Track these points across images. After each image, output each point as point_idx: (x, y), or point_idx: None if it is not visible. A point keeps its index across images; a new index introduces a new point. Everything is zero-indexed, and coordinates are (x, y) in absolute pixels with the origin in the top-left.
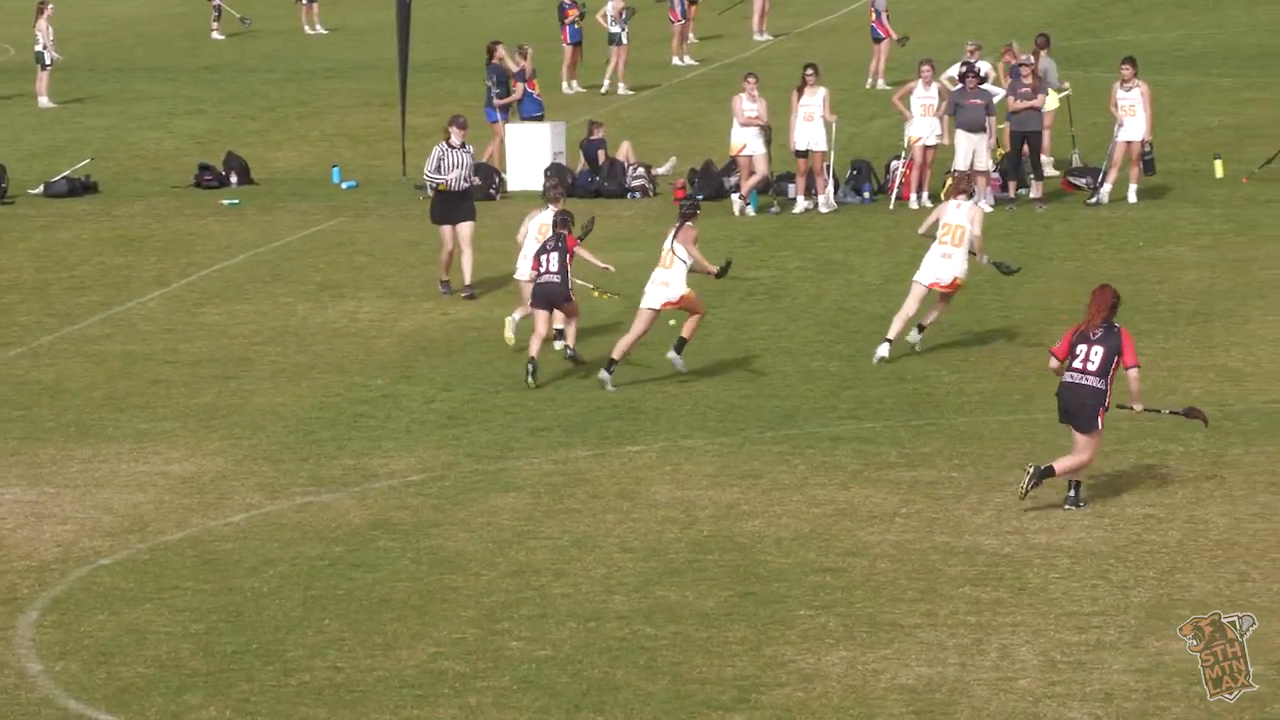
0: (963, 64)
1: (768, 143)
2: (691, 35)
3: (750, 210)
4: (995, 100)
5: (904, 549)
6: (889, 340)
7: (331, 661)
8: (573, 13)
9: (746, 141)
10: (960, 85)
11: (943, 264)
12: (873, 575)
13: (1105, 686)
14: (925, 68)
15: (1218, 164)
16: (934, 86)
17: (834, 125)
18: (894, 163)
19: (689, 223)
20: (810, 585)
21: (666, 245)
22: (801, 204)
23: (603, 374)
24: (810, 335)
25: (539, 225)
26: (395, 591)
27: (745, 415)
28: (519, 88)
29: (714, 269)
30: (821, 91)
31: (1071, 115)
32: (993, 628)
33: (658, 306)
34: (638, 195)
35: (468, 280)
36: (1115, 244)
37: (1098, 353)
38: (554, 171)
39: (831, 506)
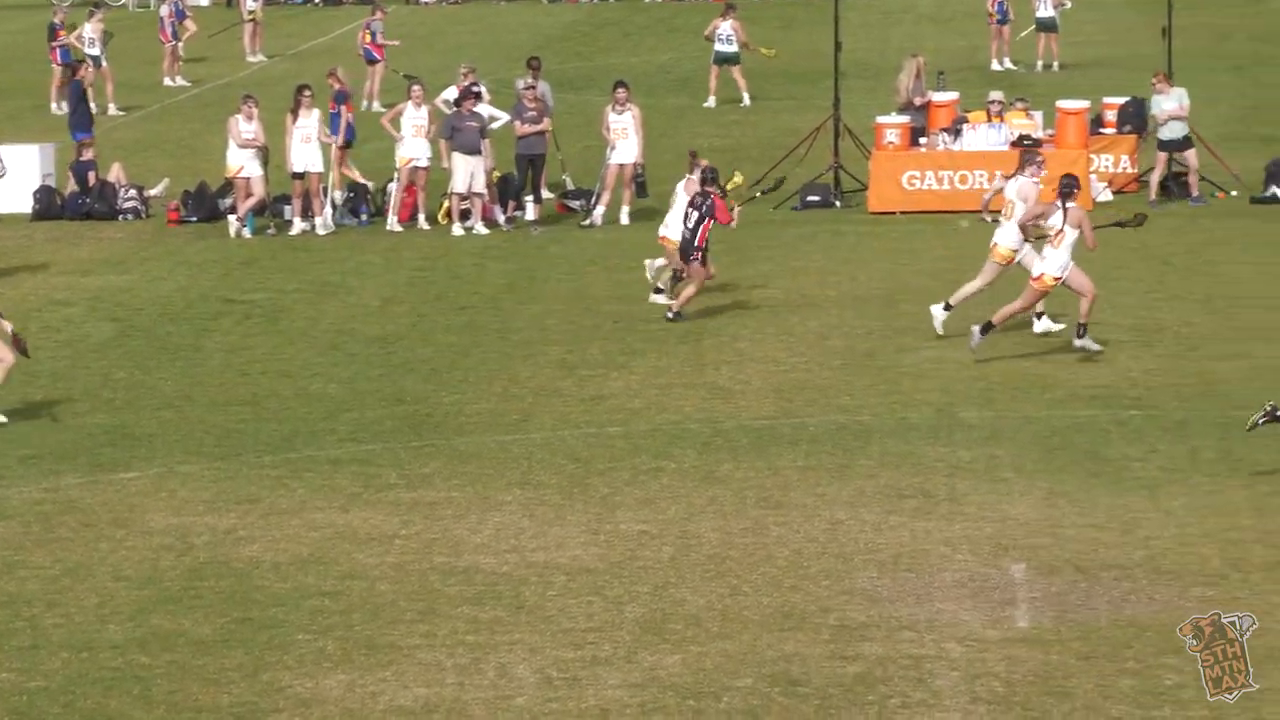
0: (459, 86)
1: (264, 164)
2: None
3: (247, 232)
4: (495, 125)
5: (403, 570)
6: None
7: None
8: (64, 34)
9: (243, 163)
10: (456, 108)
11: (997, 231)
12: (372, 597)
13: (600, 702)
14: (416, 89)
15: None
16: (424, 108)
17: (331, 147)
18: (390, 185)
19: (1072, 203)
20: (308, 609)
21: (1055, 222)
22: (298, 226)
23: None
24: (308, 358)
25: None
26: None
27: (243, 439)
28: None
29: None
30: (317, 113)
31: (557, 141)
32: (491, 646)
33: (1045, 276)
34: (129, 217)
35: None
36: (609, 265)
37: None
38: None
39: (330, 530)
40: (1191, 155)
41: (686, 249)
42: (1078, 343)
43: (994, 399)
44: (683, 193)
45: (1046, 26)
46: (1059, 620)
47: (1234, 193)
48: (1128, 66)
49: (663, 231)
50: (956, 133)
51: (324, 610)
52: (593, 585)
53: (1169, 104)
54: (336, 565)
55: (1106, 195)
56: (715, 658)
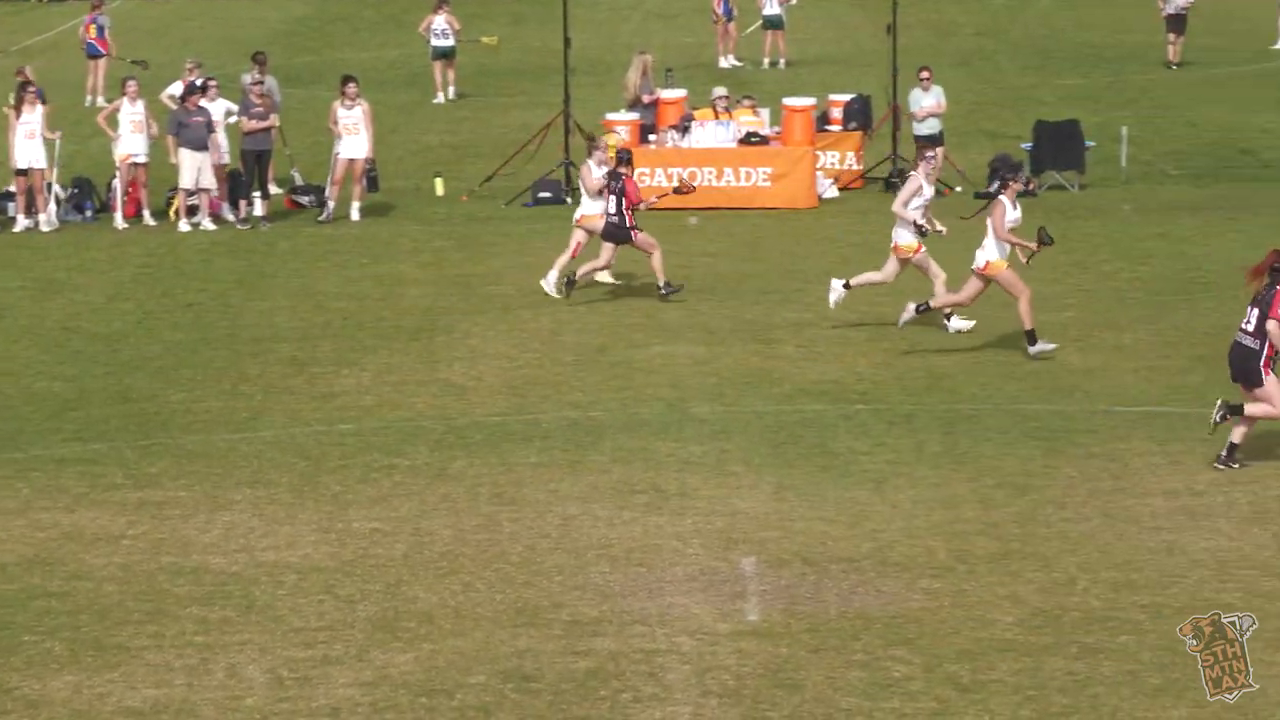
0: (184, 81)
1: None
2: None
3: None
4: (232, 119)
5: (131, 570)
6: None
7: None
8: None
9: None
10: (181, 104)
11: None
12: (99, 598)
13: (331, 701)
14: (131, 84)
15: (438, 182)
16: (140, 103)
17: (56, 143)
18: (114, 181)
19: (1001, 196)
20: (35, 610)
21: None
22: (22, 223)
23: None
24: (32, 356)
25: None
26: None
27: None
28: None
29: (1032, 244)
30: (40, 109)
31: (285, 137)
32: (220, 647)
33: (975, 269)
34: None
35: None
36: (339, 261)
37: (1254, 314)
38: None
39: (56, 530)
40: (940, 152)
41: (619, 232)
42: (904, 318)
43: (724, 394)
44: (585, 178)
45: (773, 24)
46: (788, 613)
47: (959, 188)
48: (854, 64)
49: (580, 213)
50: (685, 130)
51: (51, 611)
52: (324, 584)
53: (928, 100)
54: (63, 566)
55: (833, 192)
56: (448, 655)
